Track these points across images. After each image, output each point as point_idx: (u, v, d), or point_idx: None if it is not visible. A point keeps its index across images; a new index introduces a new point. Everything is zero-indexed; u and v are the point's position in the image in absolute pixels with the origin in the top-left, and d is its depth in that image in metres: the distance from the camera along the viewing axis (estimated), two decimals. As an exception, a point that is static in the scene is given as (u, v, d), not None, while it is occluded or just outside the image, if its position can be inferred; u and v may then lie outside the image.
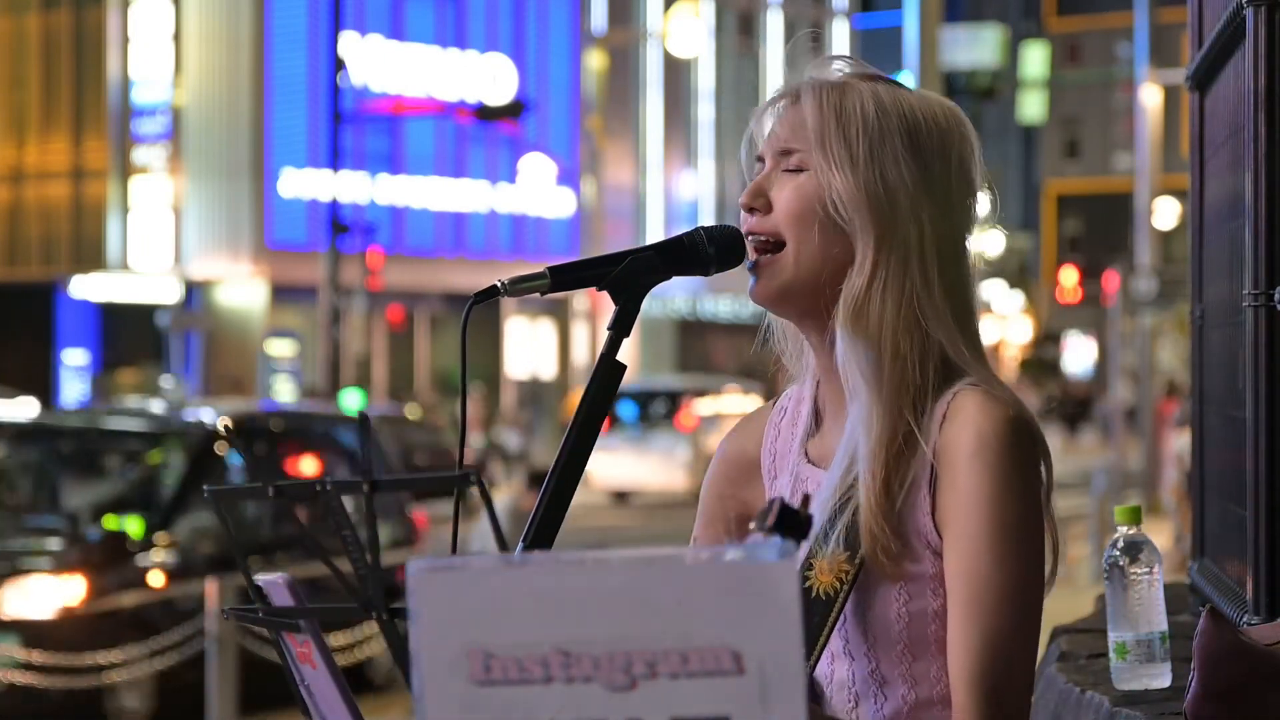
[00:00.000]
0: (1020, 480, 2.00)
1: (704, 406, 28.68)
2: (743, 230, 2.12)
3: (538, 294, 2.09)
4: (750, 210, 2.10)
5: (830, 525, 2.05)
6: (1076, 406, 51.40)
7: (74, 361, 36.15)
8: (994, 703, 1.95)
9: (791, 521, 1.62)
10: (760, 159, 2.13)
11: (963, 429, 2.00)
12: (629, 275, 2.11)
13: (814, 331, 2.12)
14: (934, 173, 2.07)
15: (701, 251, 2.13)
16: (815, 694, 2.09)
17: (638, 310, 2.12)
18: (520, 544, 2.01)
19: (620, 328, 2.10)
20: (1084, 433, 48.54)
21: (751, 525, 1.66)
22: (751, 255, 2.11)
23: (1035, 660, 2.01)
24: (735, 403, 28.51)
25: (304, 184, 36.66)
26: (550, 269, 2.10)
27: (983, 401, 2.01)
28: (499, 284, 2.05)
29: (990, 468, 1.98)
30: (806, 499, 1.73)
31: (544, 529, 2.04)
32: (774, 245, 2.09)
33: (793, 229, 2.07)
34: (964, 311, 2.09)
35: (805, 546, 2.07)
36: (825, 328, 2.09)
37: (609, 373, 2.09)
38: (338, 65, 27.89)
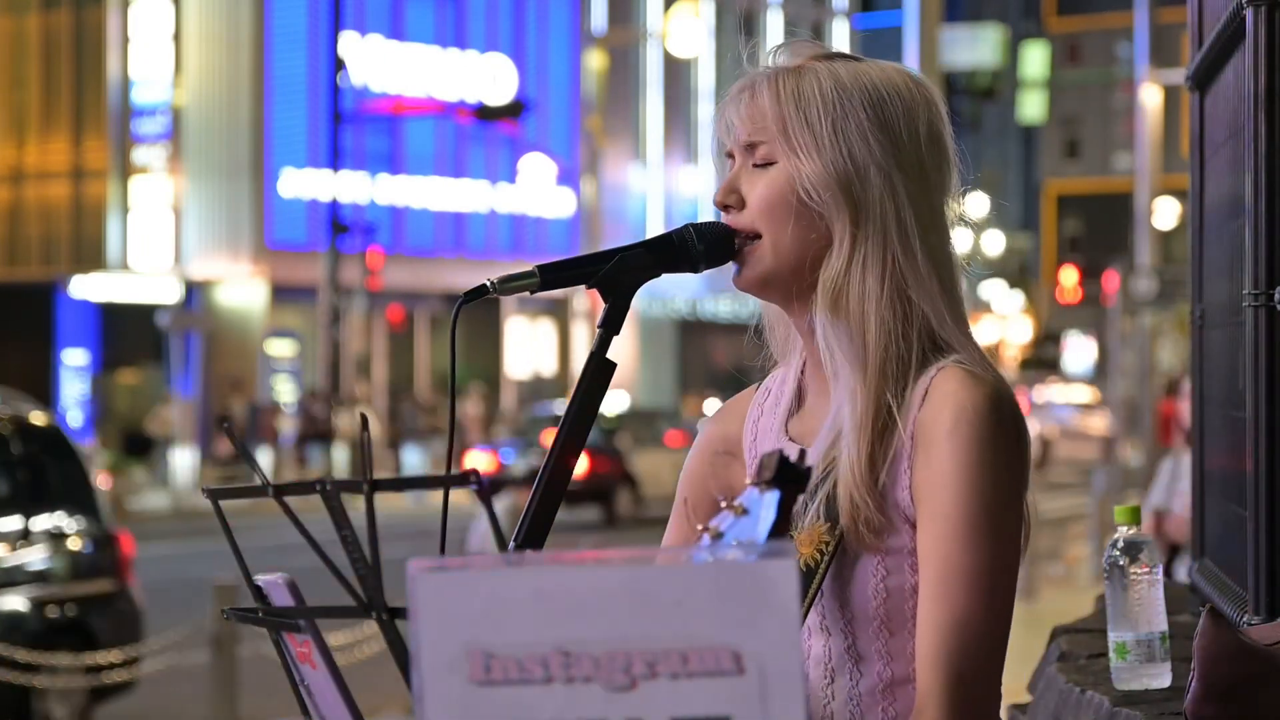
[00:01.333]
0: (997, 460, 1.99)
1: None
2: None
3: (528, 292, 2.09)
4: (725, 208, 2.12)
5: (810, 497, 2.05)
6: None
7: (74, 361, 36.15)
8: (957, 684, 1.94)
9: (790, 474, 1.62)
10: (730, 155, 2.14)
11: (942, 406, 2.00)
12: (618, 273, 2.11)
13: (799, 315, 2.13)
14: (903, 142, 2.07)
15: (691, 248, 2.13)
16: None
17: (627, 308, 2.12)
18: (511, 543, 2.01)
19: (610, 326, 2.10)
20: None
21: (748, 480, 1.66)
22: None
23: (1005, 642, 2.00)
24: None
25: (304, 184, 36.66)
26: (539, 267, 2.10)
27: (964, 379, 2.01)
28: (488, 283, 2.04)
29: (966, 446, 1.98)
30: (803, 453, 1.74)
31: (534, 528, 2.04)
32: (752, 238, 2.10)
33: (767, 223, 2.08)
34: (948, 279, 2.08)
35: None
36: (808, 311, 2.10)
37: (599, 371, 2.09)
38: (338, 65, 27.95)
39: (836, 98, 2.06)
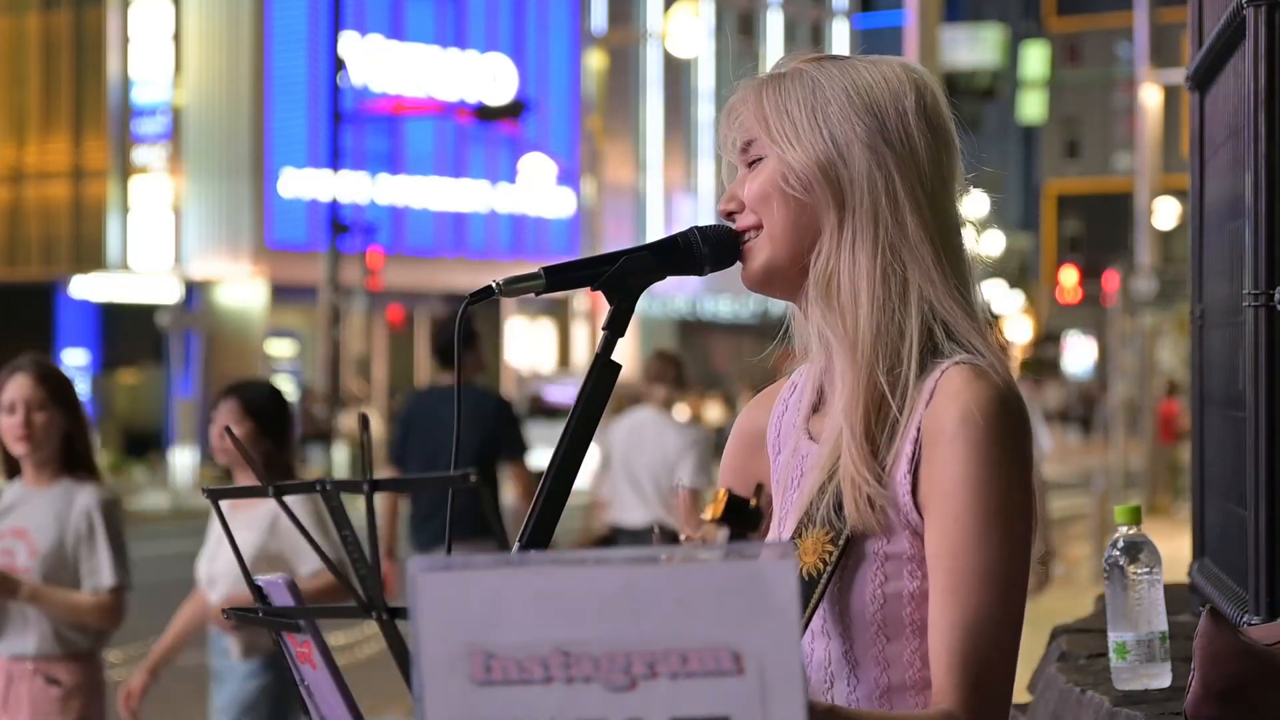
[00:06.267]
0: (1004, 460, 1.98)
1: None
2: None
3: (532, 294, 2.09)
4: (729, 215, 2.14)
5: (816, 503, 2.05)
6: (1087, 408, 51.46)
7: (74, 361, 36.15)
8: (973, 686, 1.94)
9: (741, 514, 1.62)
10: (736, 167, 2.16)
11: (948, 406, 1.99)
12: (623, 275, 2.11)
13: (806, 310, 2.13)
14: (889, 119, 2.07)
15: (696, 251, 2.13)
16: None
17: (632, 310, 2.12)
18: (516, 544, 2.01)
19: (615, 327, 2.10)
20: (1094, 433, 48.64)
21: (703, 515, 1.65)
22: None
23: (1017, 643, 1.99)
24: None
25: (304, 184, 36.66)
26: (545, 269, 2.10)
27: (970, 378, 2.00)
28: (494, 284, 2.05)
29: (973, 446, 1.97)
30: (760, 488, 1.74)
31: (540, 529, 2.04)
32: (756, 233, 2.11)
33: (762, 212, 2.10)
34: (949, 252, 2.08)
35: (790, 527, 2.08)
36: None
37: (604, 373, 2.09)
38: (338, 65, 27.92)
39: (815, 86, 2.09)
